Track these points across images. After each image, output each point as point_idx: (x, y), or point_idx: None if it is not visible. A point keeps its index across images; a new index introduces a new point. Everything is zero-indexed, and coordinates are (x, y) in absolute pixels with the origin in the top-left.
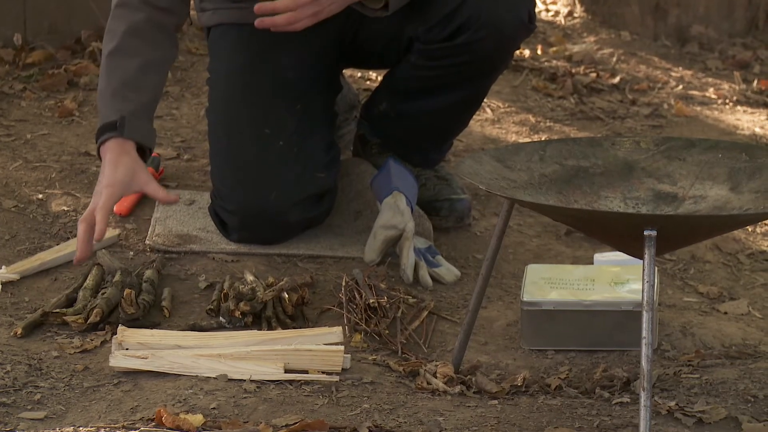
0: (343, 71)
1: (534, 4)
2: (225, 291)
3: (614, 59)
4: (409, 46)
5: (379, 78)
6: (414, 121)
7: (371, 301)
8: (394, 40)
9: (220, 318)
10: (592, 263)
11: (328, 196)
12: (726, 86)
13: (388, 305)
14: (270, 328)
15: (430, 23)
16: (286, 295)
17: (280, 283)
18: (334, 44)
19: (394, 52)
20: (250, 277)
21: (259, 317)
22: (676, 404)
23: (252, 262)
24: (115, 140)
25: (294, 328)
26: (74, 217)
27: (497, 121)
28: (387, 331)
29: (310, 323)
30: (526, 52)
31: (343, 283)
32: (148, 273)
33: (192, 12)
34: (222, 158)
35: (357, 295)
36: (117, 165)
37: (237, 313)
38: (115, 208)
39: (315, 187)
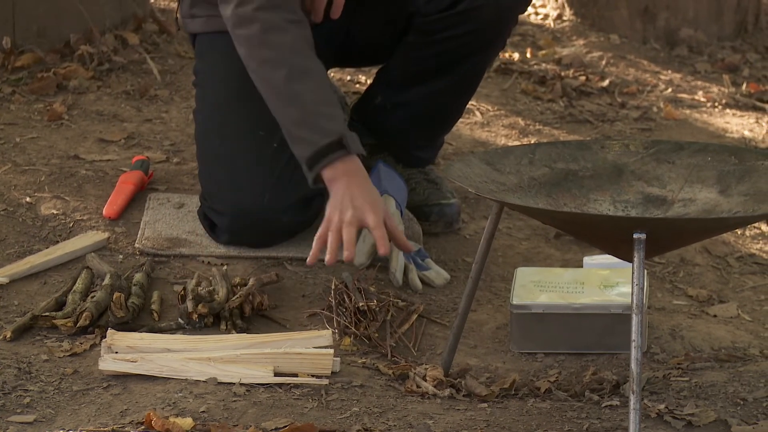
0: (330, 75)
1: None
2: (181, 293)
3: (603, 62)
4: (405, 30)
5: (368, 81)
6: (409, 111)
7: (361, 304)
8: (391, 24)
9: (179, 319)
10: (582, 266)
11: (317, 199)
12: (715, 89)
13: (377, 308)
14: (226, 328)
15: None
16: (250, 297)
17: (246, 288)
18: (326, 44)
19: (389, 40)
20: (216, 276)
21: (218, 317)
22: (666, 407)
23: (241, 265)
24: (348, 157)
25: (247, 332)
26: (63, 221)
27: (486, 124)
28: (377, 335)
29: (276, 325)
30: (516, 55)
31: (333, 287)
32: (137, 276)
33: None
34: (213, 159)
35: (346, 299)
36: (371, 188)
37: (194, 316)
38: (104, 212)
39: (306, 191)
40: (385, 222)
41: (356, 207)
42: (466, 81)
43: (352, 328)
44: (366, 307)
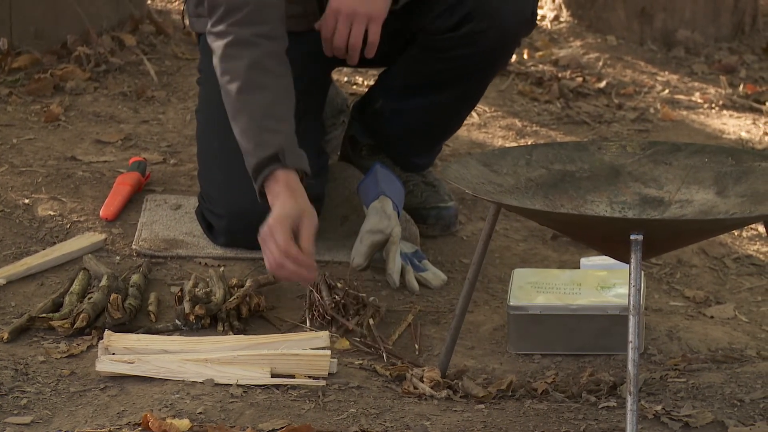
0: (330, 76)
1: (537, 1)
2: (178, 294)
3: (600, 63)
4: (409, 41)
5: (365, 82)
6: (408, 120)
7: (327, 301)
8: (395, 37)
9: (176, 320)
10: (579, 267)
11: (315, 202)
12: (712, 90)
13: (344, 303)
14: (223, 329)
15: (436, 13)
16: (247, 299)
17: (242, 289)
18: None
19: (393, 48)
20: (214, 277)
21: (215, 319)
22: (663, 408)
23: (238, 266)
24: (280, 171)
25: (244, 333)
26: (60, 222)
27: (484, 125)
28: (365, 330)
29: (274, 327)
30: (513, 57)
31: (307, 292)
32: (134, 278)
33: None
34: (212, 161)
35: (318, 298)
36: (292, 197)
37: (191, 317)
38: (101, 213)
39: None
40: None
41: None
42: (467, 96)
43: (334, 326)
44: (333, 305)
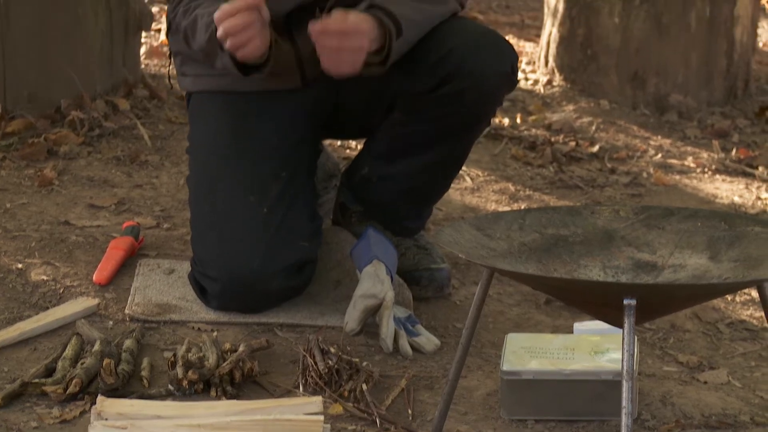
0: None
1: (517, 58)
2: (171, 359)
3: (593, 128)
4: (391, 106)
5: (359, 146)
6: (396, 185)
7: (321, 366)
8: (377, 100)
9: (169, 386)
10: (572, 332)
11: (309, 266)
12: (705, 155)
13: (337, 368)
14: (216, 394)
15: (415, 76)
16: (240, 363)
17: (236, 354)
18: (315, 110)
19: (376, 113)
20: (206, 341)
21: (209, 384)
22: None
23: (231, 331)
24: None
25: (237, 398)
26: (53, 287)
27: (477, 189)
28: (352, 396)
29: (267, 392)
30: (506, 121)
31: (301, 357)
32: (127, 343)
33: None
34: (204, 225)
35: (311, 362)
36: None
37: (184, 382)
38: (94, 278)
39: (298, 257)
40: None
41: None
42: (452, 157)
43: (327, 390)
44: (326, 369)
